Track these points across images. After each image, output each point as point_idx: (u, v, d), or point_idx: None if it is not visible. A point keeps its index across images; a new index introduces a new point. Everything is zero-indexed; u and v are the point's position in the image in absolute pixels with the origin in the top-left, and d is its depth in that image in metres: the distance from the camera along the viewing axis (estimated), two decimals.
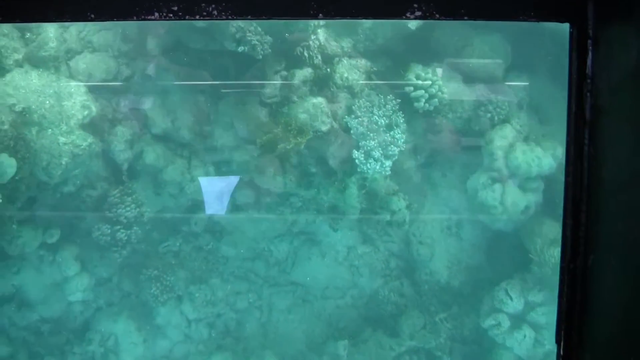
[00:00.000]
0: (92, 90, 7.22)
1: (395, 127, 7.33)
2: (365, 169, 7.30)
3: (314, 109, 7.30)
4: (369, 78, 7.67)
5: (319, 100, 7.37)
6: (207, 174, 7.78)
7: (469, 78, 7.72)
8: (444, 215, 8.18)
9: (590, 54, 1.77)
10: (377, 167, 7.30)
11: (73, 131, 7.06)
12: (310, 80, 7.50)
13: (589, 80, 1.77)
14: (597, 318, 1.78)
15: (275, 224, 8.07)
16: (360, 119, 7.25)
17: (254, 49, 6.78)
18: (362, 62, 7.69)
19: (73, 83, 7.07)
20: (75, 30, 7.20)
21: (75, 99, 7.04)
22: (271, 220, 8.03)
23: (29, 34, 7.01)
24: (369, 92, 7.50)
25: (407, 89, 7.40)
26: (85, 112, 7.11)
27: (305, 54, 7.34)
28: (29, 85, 6.78)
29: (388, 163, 7.36)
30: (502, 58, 7.61)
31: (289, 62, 7.46)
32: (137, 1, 1.84)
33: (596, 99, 1.77)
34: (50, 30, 6.99)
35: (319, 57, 7.46)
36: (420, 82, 7.35)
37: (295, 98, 7.45)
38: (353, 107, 7.33)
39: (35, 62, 7.04)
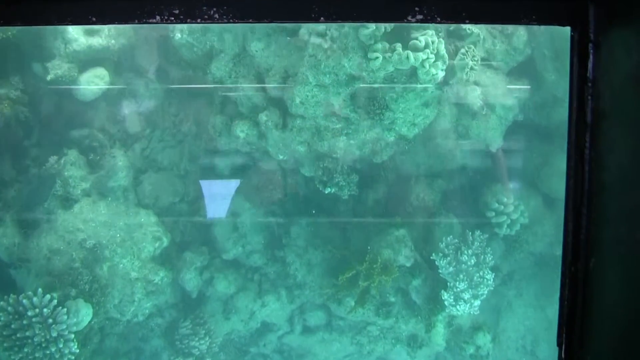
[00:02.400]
0: (160, 213, 7.27)
1: (484, 266, 7.00)
2: (454, 310, 7.06)
3: (397, 243, 7.07)
4: (445, 198, 7.41)
5: (402, 232, 7.14)
6: (279, 300, 7.54)
7: (549, 199, 7.42)
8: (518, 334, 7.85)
9: (591, 57, 1.75)
10: (467, 309, 7.02)
11: (145, 265, 7.03)
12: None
13: (590, 84, 1.76)
14: (598, 321, 1.75)
15: (347, 347, 7.54)
16: (448, 257, 6.93)
17: (340, 190, 6.81)
18: (439, 182, 7.49)
19: (142, 211, 7.06)
20: (139, 148, 7.34)
21: (145, 230, 7.01)
22: (344, 343, 7.53)
23: (95, 161, 7.11)
24: (451, 221, 7.22)
25: (488, 213, 7.06)
26: (157, 244, 7.09)
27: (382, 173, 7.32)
28: (98, 218, 6.75)
29: (477, 303, 7.07)
30: None
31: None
32: (138, 5, 1.87)
33: (597, 102, 1.75)
34: (119, 158, 7.07)
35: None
36: (502, 206, 6.99)
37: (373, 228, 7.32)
38: (440, 245, 7.07)
39: (103, 190, 7.00)
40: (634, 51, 1.58)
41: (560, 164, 7.30)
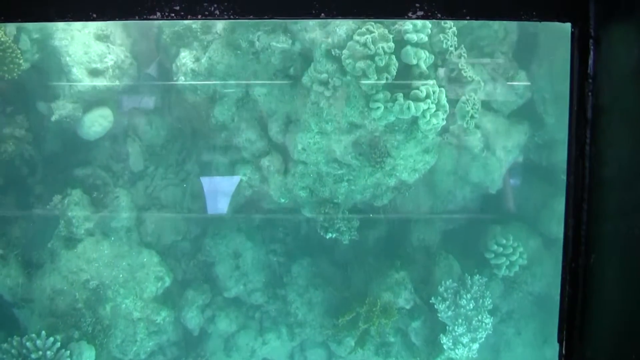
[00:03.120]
0: (162, 251, 7.32)
1: (483, 310, 7.09)
2: (453, 354, 7.11)
3: (397, 286, 7.14)
4: (445, 239, 7.46)
5: (402, 275, 7.19)
6: (279, 337, 7.58)
7: (548, 239, 7.48)
8: None
9: (591, 53, 1.76)
10: (465, 352, 7.09)
11: (147, 305, 7.08)
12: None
13: (590, 80, 1.77)
14: (598, 316, 1.75)
15: None
16: (447, 301, 6.99)
17: (341, 235, 6.86)
18: (439, 223, 7.55)
19: (145, 251, 7.10)
20: (142, 185, 7.40)
21: (148, 270, 7.06)
22: None
23: (98, 199, 7.13)
24: (451, 263, 7.27)
25: (486, 254, 7.12)
26: (159, 284, 7.13)
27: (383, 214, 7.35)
28: (102, 258, 6.80)
29: (475, 347, 7.13)
30: None
31: None
32: (139, 1, 1.86)
33: (597, 98, 1.76)
34: (122, 198, 7.11)
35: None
36: (501, 248, 7.04)
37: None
38: (440, 289, 7.14)
39: (107, 230, 7.03)
40: (634, 47, 1.59)
41: (559, 206, 7.34)
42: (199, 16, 1.88)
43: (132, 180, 7.48)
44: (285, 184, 6.49)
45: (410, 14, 1.83)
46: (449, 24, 6.00)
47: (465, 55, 6.46)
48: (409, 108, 5.72)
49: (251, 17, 1.89)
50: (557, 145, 7.25)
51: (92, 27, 7.00)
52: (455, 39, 6.06)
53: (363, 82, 5.72)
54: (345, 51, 5.74)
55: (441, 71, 6.19)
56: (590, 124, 1.77)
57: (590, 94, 1.76)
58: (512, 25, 6.89)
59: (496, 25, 6.84)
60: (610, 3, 1.73)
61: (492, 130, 7.04)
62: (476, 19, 1.85)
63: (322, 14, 1.84)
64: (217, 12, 1.85)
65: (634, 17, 1.61)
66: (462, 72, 6.26)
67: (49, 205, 6.95)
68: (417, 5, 1.81)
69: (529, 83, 6.97)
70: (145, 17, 1.86)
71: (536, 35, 7.01)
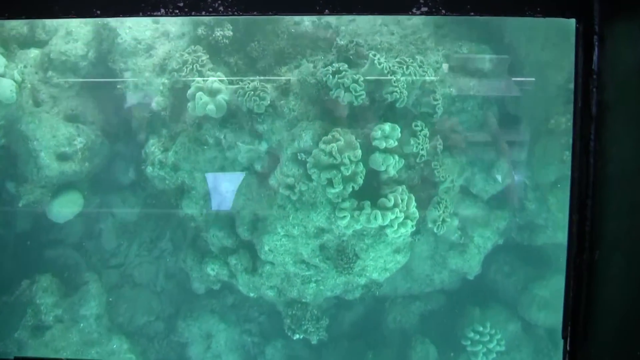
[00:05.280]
0: (134, 332, 7.22)
1: None
2: None
3: None
4: (422, 321, 7.32)
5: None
6: None
7: (528, 325, 7.32)
8: None
9: (596, 49, 1.76)
10: None
11: None
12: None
13: (594, 76, 1.76)
14: (603, 312, 1.74)
15: None
16: None
17: (309, 335, 6.72)
18: (416, 304, 7.41)
19: (115, 337, 6.94)
20: (115, 262, 7.29)
21: (118, 358, 6.90)
22: None
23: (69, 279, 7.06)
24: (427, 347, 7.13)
25: (463, 341, 6.97)
26: None
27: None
28: (70, 346, 6.65)
29: None
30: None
31: None
32: None
33: (602, 94, 1.76)
34: (91, 284, 6.96)
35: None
36: (478, 336, 6.88)
37: None
38: None
39: (76, 317, 6.87)
40: (638, 43, 1.58)
41: (539, 290, 7.16)
42: (203, 12, 1.87)
43: (105, 258, 7.38)
44: (253, 282, 6.36)
45: (414, 10, 1.83)
46: (420, 125, 5.78)
47: (441, 146, 6.25)
48: (375, 218, 5.53)
49: (255, 13, 1.87)
50: (538, 230, 7.04)
51: (62, 107, 6.84)
52: (427, 140, 5.85)
53: (329, 191, 5.53)
54: (310, 159, 5.55)
55: (412, 173, 5.99)
56: (595, 120, 1.76)
57: (594, 90, 1.76)
58: (494, 111, 6.66)
59: (475, 109, 6.60)
60: (614, 0, 1.72)
61: (471, 216, 6.85)
62: (480, 15, 1.82)
63: (326, 10, 1.84)
64: (221, 8, 1.85)
65: (638, 13, 1.60)
66: (435, 171, 6.05)
67: (17, 292, 6.87)
68: (421, 1, 1.81)
69: (508, 168, 6.74)
70: (149, 13, 1.86)
71: (517, 120, 6.77)
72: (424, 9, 1.79)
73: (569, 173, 6.05)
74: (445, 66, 6.39)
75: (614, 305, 1.70)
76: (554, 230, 6.87)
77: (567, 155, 6.08)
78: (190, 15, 1.87)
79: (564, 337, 1.86)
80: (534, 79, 6.59)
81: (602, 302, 1.75)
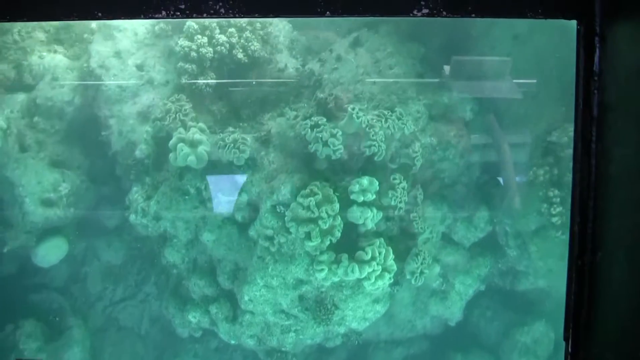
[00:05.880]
0: None
1: None
2: None
3: None
4: None
5: None
6: None
7: None
8: None
9: (597, 50, 1.77)
10: None
11: None
12: None
13: (596, 77, 1.77)
14: (605, 314, 1.75)
15: None
16: None
17: None
18: (399, 350, 7.41)
19: None
20: (100, 306, 7.33)
21: None
22: None
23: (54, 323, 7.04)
24: None
25: None
26: None
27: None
28: None
29: None
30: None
31: None
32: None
33: (603, 95, 1.76)
34: (75, 330, 6.97)
35: None
36: None
37: None
38: None
39: None
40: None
41: (521, 337, 7.17)
42: (204, 15, 1.85)
43: (90, 301, 7.41)
44: (233, 331, 6.38)
45: (415, 12, 1.82)
46: (398, 179, 5.84)
47: (422, 195, 6.30)
48: (353, 271, 5.57)
49: (256, 15, 1.87)
50: (520, 276, 7.07)
51: (48, 152, 6.91)
52: (406, 193, 5.90)
53: (307, 244, 5.58)
54: (288, 213, 5.61)
55: (391, 224, 6.04)
56: (596, 121, 1.76)
57: (596, 91, 1.76)
58: (475, 160, 6.72)
59: (457, 158, 6.66)
60: (615, 0, 1.73)
61: (452, 263, 6.88)
62: (482, 17, 1.82)
63: (328, 12, 1.83)
64: (222, 10, 1.84)
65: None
66: (414, 223, 6.10)
67: (1, 336, 6.89)
68: (422, 2, 1.81)
69: (489, 215, 6.78)
70: (150, 15, 1.85)
71: (498, 169, 6.83)
72: (425, 10, 1.82)
73: (548, 224, 6.05)
74: (425, 115, 6.45)
75: (616, 307, 1.72)
76: (535, 277, 6.90)
77: (545, 208, 6.12)
78: (192, 17, 1.87)
79: (566, 339, 1.88)
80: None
81: (604, 303, 1.76)
